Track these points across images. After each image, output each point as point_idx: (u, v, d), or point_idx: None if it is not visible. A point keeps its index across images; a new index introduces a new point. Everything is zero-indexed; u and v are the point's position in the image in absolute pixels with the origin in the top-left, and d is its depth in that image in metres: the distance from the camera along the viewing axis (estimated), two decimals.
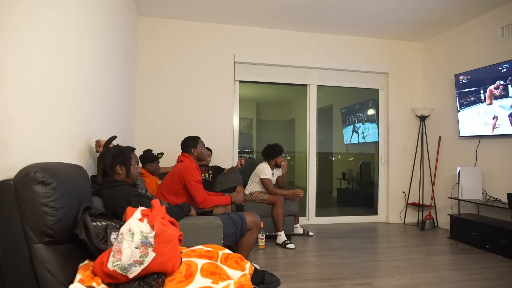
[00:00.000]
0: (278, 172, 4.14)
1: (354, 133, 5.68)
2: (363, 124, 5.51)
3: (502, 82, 3.74)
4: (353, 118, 5.72)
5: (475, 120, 4.09)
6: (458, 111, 4.32)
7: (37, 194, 1.20)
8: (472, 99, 4.13)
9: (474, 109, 4.10)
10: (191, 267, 1.42)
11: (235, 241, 2.45)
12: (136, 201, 1.93)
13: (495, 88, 3.84)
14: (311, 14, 4.23)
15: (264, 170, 3.92)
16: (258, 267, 2.77)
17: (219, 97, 4.57)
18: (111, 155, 2.08)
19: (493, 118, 3.87)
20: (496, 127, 3.84)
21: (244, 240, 2.49)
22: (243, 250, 2.48)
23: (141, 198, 2.00)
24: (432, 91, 5.00)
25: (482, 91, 4.00)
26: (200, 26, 4.54)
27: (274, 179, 4.07)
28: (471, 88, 4.13)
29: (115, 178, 2.07)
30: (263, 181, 3.89)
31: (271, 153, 4.00)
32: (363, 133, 5.49)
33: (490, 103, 3.90)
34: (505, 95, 3.72)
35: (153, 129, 4.34)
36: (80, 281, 1.25)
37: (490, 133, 3.93)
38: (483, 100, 3.99)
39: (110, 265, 1.22)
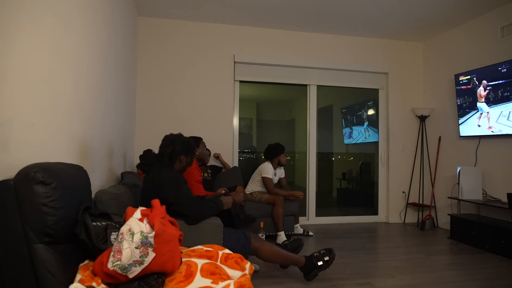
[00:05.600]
0: (280, 173, 4.15)
1: (351, 132, 5.69)
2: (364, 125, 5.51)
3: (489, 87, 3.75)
4: (352, 119, 5.72)
5: (475, 120, 4.10)
6: (458, 111, 4.32)
7: (37, 194, 1.20)
8: (471, 99, 4.13)
9: (474, 108, 4.10)
10: (191, 267, 1.42)
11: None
12: (183, 188, 2.09)
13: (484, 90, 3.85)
14: (311, 14, 4.23)
15: (266, 169, 3.93)
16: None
17: (219, 97, 4.57)
18: (181, 144, 2.26)
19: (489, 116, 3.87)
20: (494, 128, 3.84)
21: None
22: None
23: (187, 187, 2.15)
24: (432, 91, 4.99)
25: (481, 91, 4.00)
26: (200, 26, 4.54)
27: (276, 179, 4.08)
28: (471, 88, 4.13)
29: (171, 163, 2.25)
30: (264, 180, 3.90)
31: (273, 152, 4.01)
32: (368, 129, 5.47)
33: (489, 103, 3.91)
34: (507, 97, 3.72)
35: (153, 129, 4.33)
36: (80, 281, 1.25)
37: (490, 133, 3.93)
38: (483, 100, 3.99)
39: (110, 265, 1.22)
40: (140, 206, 2.19)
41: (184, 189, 2.13)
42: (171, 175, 2.14)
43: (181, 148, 2.26)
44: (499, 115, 3.80)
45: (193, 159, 3.44)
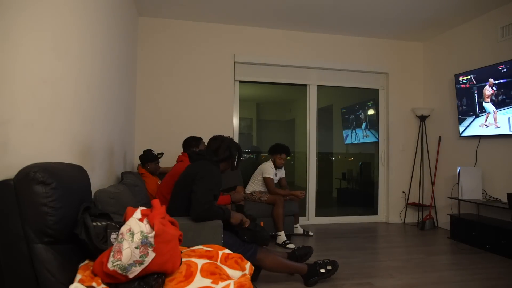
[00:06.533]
0: (280, 173, 4.15)
1: (353, 132, 5.68)
2: (363, 128, 5.51)
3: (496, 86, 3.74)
4: (352, 120, 5.72)
5: (475, 120, 4.09)
6: (458, 111, 4.32)
7: (37, 194, 1.20)
8: (470, 101, 4.13)
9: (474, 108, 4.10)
10: (191, 267, 1.42)
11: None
12: (212, 186, 2.20)
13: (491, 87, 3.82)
14: (311, 14, 4.22)
15: (268, 169, 3.93)
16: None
17: (219, 97, 4.57)
18: (237, 150, 2.51)
19: (492, 115, 3.87)
20: (497, 127, 3.83)
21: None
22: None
23: (216, 188, 2.25)
24: (432, 91, 4.99)
25: (481, 91, 4.00)
26: (200, 26, 4.54)
27: (276, 179, 4.08)
28: (469, 87, 4.13)
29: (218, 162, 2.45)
30: (265, 180, 3.91)
31: (274, 149, 4.02)
32: (365, 132, 5.47)
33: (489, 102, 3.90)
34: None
35: (153, 129, 4.34)
36: (80, 281, 1.25)
37: (490, 133, 3.93)
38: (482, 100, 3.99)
39: (110, 265, 1.22)
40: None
41: (210, 185, 2.21)
42: (212, 171, 2.31)
43: (236, 153, 2.51)
44: (509, 123, 3.67)
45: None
